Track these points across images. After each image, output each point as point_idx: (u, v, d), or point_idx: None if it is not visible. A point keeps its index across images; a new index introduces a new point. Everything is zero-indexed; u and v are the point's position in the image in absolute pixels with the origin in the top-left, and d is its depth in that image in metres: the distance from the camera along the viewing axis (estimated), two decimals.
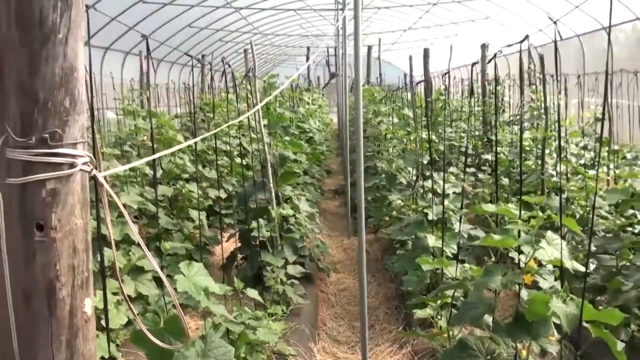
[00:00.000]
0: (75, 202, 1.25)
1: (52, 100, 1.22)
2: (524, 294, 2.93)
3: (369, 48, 17.03)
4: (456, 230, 4.58)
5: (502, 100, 10.89)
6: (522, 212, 3.06)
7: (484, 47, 10.66)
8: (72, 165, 1.23)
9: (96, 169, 1.32)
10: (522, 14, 15.79)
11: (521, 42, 2.95)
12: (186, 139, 8.52)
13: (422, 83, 8.85)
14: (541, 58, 5.44)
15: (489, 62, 4.27)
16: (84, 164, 1.26)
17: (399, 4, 18.94)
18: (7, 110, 1.24)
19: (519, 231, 3.00)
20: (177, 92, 17.96)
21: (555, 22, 2.74)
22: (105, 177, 1.37)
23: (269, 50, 30.28)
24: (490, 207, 3.08)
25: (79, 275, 1.26)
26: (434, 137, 7.83)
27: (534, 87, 9.15)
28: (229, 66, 5.11)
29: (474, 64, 4.34)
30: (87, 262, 1.29)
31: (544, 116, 6.65)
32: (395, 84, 25.30)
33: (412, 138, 7.12)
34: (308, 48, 18.50)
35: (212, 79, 11.49)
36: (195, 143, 6.99)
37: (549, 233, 2.93)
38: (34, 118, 1.21)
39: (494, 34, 18.58)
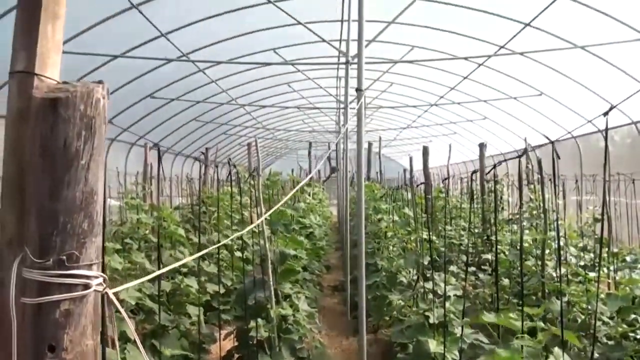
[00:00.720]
0: (87, 322, 1.27)
1: (71, 223, 1.27)
2: None
3: (370, 144, 17.39)
4: (458, 335, 4.53)
5: (501, 199, 11.01)
6: (522, 319, 3.06)
7: (482, 146, 10.89)
8: (86, 287, 1.27)
9: (107, 286, 1.36)
10: (520, 115, 16.22)
11: (519, 156, 3.06)
12: (187, 231, 8.57)
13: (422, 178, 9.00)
14: (539, 162, 5.57)
15: (487, 173, 4.38)
16: (98, 284, 1.30)
17: (400, 104, 19.51)
18: (27, 230, 1.29)
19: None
20: (180, 183, 18.19)
21: (552, 143, 2.85)
22: (106, 277, 1.39)
23: (271, 143, 30.88)
24: (491, 317, 3.08)
25: None
26: (433, 237, 7.87)
27: (532, 185, 9.30)
28: (235, 167, 5.24)
29: (473, 172, 4.45)
30: None
31: (542, 215, 6.73)
32: (395, 178, 25.62)
33: (412, 238, 7.16)
34: (310, 143, 18.90)
35: (215, 173, 11.65)
36: (199, 237, 7.03)
37: (556, 350, 2.91)
38: (52, 240, 1.26)
39: (492, 134, 19.02)
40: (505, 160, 3.37)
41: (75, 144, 1.29)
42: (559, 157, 3.01)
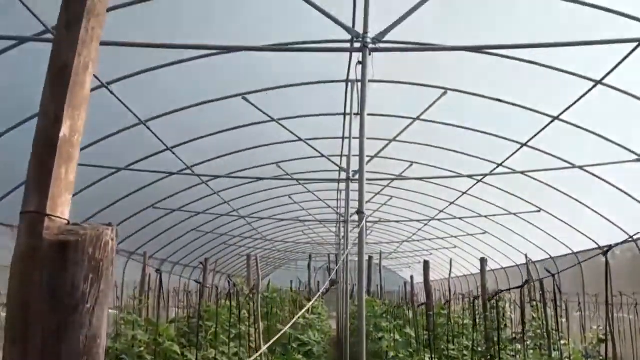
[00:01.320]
0: None
1: None
2: None
3: (370, 257, 17.34)
4: None
5: (504, 316, 10.84)
6: None
7: (483, 261, 10.84)
8: None
9: None
10: (520, 231, 16.27)
11: (521, 286, 3.05)
12: (182, 346, 8.36)
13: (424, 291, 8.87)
14: (541, 283, 5.55)
15: (489, 300, 4.34)
16: None
17: (400, 217, 19.65)
18: None
19: None
20: (178, 294, 17.95)
21: (554, 276, 2.86)
22: None
23: (270, 254, 30.76)
24: None
25: None
26: (435, 358, 7.66)
27: (534, 303, 9.16)
28: (235, 286, 5.21)
29: (474, 299, 4.41)
30: None
31: (546, 335, 6.60)
32: (395, 290, 25.20)
33: None
34: (310, 256, 18.85)
35: (213, 285, 11.56)
36: (197, 355, 6.86)
37: None
38: None
39: (492, 248, 18.99)
40: (509, 289, 3.36)
41: (82, 287, 1.30)
42: (560, 291, 3.00)
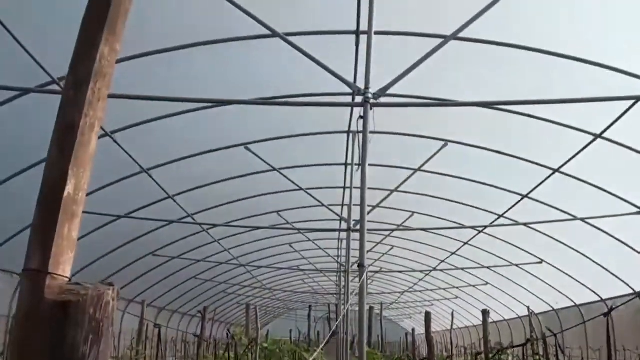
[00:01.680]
0: None
1: None
2: None
3: (371, 308, 17.15)
4: None
5: None
6: None
7: (485, 313, 10.71)
8: None
9: None
10: (521, 282, 16.14)
11: (524, 345, 3.01)
12: None
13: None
14: (544, 340, 5.48)
15: (492, 356, 4.29)
16: None
17: (401, 267, 19.52)
18: None
19: None
20: (175, 343, 17.71)
21: (556, 335, 2.84)
22: None
23: (270, 302, 30.45)
24: None
25: None
26: None
27: (537, 357, 9.01)
28: (233, 338, 5.15)
29: (477, 355, 4.35)
30: None
31: None
32: (396, 342, 24.76)
33: None
34: (310, 307, 18.64)
35: (213, 339, 11.41)
36: None
37: None
38: None
39: (494, 299, 18.79)
40: (511, 347, 3.32)
41: (81, 348, 1.30)
42: (563, 352, 2.97)
